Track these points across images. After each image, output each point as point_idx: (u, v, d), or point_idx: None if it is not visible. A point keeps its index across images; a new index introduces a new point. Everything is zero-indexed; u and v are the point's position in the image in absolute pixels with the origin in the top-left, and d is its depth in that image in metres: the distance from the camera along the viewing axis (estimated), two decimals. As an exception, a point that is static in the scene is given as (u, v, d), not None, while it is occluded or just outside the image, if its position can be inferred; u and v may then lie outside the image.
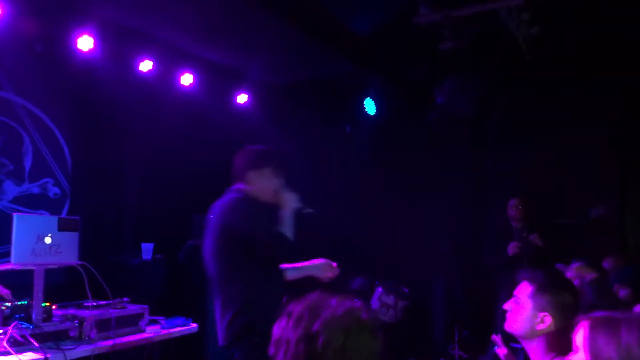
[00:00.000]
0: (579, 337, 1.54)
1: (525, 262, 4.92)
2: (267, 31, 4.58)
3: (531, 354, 1.95)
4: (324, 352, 1.25)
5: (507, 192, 5.44)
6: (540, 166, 5.58)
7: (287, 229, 2.77)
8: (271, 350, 1.35)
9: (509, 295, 2.08)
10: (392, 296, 5.75)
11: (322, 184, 6.14)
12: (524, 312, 1.93)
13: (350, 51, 4.80)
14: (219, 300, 2.77)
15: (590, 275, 3.08)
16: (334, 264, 3.06)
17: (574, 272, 3.07)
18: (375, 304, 5.82)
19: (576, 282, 2.93)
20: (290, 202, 2.83)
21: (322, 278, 3.02)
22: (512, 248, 5.03)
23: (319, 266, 3.04)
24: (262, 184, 2.83)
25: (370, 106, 5.99)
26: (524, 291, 1.96)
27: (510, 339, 2.30)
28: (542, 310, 1.89)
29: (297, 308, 1.36)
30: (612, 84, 5.15)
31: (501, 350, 2.24)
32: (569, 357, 1.58)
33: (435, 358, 5.73)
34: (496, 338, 2.32)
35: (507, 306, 2.03)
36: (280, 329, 1.34)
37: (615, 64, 4.88)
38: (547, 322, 1.87)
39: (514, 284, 2.06)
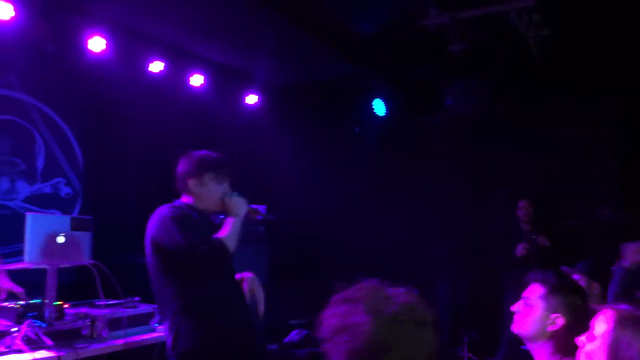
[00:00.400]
0: (600, 327, 1.51)
1: (533, 263, 4.92)
2: (277, 33, 4.60)
3: (537, 356, 1.94)
4: (376, 343, 1.17)
5: (512, 193, 5.43)
6: (545, 167, 5.57)
7: (231, 236, 2.58)
8: (327, 336, 1.24)
9: (516, 296, 2.07)
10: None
11: (328, 185, 6.16)
12: (535, 313, 1.92)
13: (357, 53, 4.81)
14: (165, 315, 2.59)
15: (596, 287, 3.05)
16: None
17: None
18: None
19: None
20: (238, 208, 2.67)
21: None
22: (520, 249, 5.05)
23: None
24: (205, 192, 2.67)
25: (379, 107, 5.99)
26: (535, 292, 1.95)
27: (518, 342, 2.29)
28: (554, 312, 1.88)
29: (353, 294, 1.26)
30: (617, 87, 5.13)
31: None
32: (582, 342, 1.56)
33: (443, 360, 5.72)
34: None
35: (515, 308, 2.02)
36: (338, 315, 1.23)
37: (621, 66, 4.86)
38: (559, 323, 1.86)
39: (521, 286, 2.05)
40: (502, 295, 5.13)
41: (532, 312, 1.92)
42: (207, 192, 2.68)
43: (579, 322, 1.80)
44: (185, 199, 2.71)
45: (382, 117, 6.08)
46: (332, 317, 1.24)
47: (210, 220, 2.73)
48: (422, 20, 3.91)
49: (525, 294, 2.00)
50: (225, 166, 2.77)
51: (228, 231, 2.59)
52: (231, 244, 2.57)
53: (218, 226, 2.65)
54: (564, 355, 1.87)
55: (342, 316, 1.22)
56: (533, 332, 1.92)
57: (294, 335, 5.53)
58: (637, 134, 5.21)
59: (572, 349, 1.81)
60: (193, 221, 2.57)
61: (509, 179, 5.77)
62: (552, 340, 1.89)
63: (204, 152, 2.79)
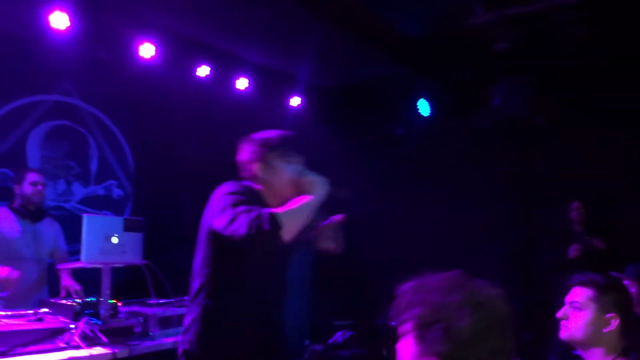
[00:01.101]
0: None
1: (584, 266, 4.79)
2: (321, 35, 4.62)
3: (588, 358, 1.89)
4: (471, 334, 1.11)
5: (562, 195, 5.28)
6: (595, 168, 5.38)
7: (295, 215, 2.08)
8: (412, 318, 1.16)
9: (561, 302, 2.02)
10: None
11: (373, 186, 6.13)
12: (587, 316, 1.86)
13: (402, 53, 4.78)
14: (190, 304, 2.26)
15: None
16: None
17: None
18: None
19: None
20: (315, 185, 2.23)
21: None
22: (573, 251, 4.93)
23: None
24: (274, 175, 2.27)
25: (424, 107, 5.93)
26: (583, 295, 1.89)
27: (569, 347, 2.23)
28: (609, 312, 1.83)
29: (443, 284, 1.18)
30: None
31: None
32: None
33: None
34: None
35: (561, 314, 1.96)
36: (430, 305, 1.14)
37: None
38: (614, 324, 1.82)
39: (567, 290, 2.00)
40: (552, 299, 4.98)
41: (583, 316, 1.87)
42: (276, 175, 2.27)
43: (631, 322, 1.79)
44: (255, 186, 2.31)
45: (426, 117, 6.02)
46: (420, 306, 1.15)
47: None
48: (467, 19, 3.85)
49: (570, 298, 1.94)
50: (292, 143, 2.37)
51: (291, 207, 2.09)
52: (289, 223, 2.01)
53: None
54: (617, 355, 1.82)
55: (435, 306, 1.14)
56: (586, 336, 1.87)
57: (338, 336, 5.53)
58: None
59: (624, 349, 1.77)
60: (252, 200, 2.12)
61: (559, 180, 5.61)
62: (606, 342, 1.84)
63: (264, 132, 2.39)
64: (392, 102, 6.12)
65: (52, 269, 3.76)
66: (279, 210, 2.03)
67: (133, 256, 3.00)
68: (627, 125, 5.25)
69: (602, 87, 5.15)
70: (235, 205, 2.05)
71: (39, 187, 3.63)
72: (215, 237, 2.15)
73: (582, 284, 1.92)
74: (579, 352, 1.95)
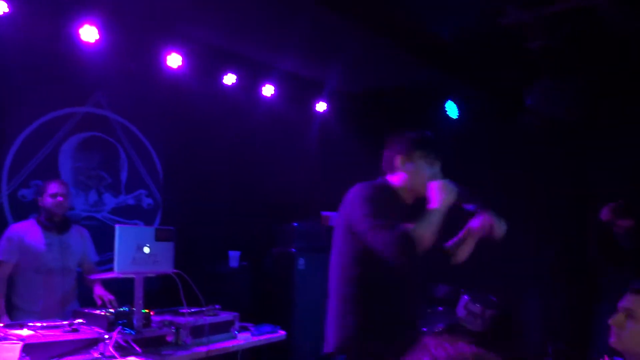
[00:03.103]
0: None
1: (632, 270, 4.62)
2: (347, 39, 4.60)
3: None
4: None
5: (610, 197, 5.11)
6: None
7: (426, 227, 2.22)
8: None
9: (613, 307, 1.93)
10: (478, 305, 5.56)
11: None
12: (629, 325, 1.79)
13: (433, 55, 4.71)
14: (333, 301, 2.48)
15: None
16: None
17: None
18: (461, 312, 5.65)
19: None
20: (444, 194, 2.31)
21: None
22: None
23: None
24: (414, 171, 2.42)
25: (452, 110, 5.84)
26: (629, 303, 1.81)
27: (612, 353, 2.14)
28: None
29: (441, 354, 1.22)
30: None
31: None
32: None
33: (527, 370, 5.48)
34: None
35: (615, 321, 1.86)
36: None
37: None
38: None
39: (619, 295, 1.91)
40: (594, 304, 4.85)
41: (627, 325, 1.79)
42: (416, 172, 2.42)
43: None
44: (391, 179, 2.49)
45: (457, 120, 5.91)
46: None
47: (407, 206, 2.45)
48: (498, 18, 3.77)
49: (626, 305, 1.85)
50: (438, 147, 2.51)
51: (423, 221, 2.24)
52: (422, 237, 2.19)
53: (417, 214, 2.29)
54: None
55: None
56: (627, 346, 1.79)
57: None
58: None
59: None
60: (388, 204, 2.32)
61: (609, 181, 5.43)
62: None
63: (416, 131, 2.55)
64: (420, 105, 6.04)
65: (82, 278, 3.80)
66: (415, 226, 2.21)
67: (164, 265, 3.01)
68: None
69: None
70: (376, 215, 2.25)
71: (59, 198, 3.60)
72: (358, 239, 2.31)
73: None
74: None
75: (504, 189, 5.65)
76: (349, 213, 2.38)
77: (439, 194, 2.31)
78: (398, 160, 2.46)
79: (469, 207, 2.45)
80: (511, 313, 5.61)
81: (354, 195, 2.40)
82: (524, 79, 4.86)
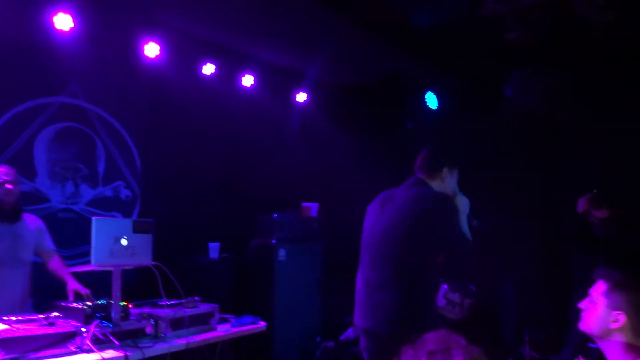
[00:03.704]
0: None
1: (603, 258, 4.71)
2: (327, 29, 4.58)
3: (608, 355, 1.89)
4: None
5: (586, 187, 5.18)
6: (618, 159, 5.29)
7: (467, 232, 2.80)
8: None
9: (584, 293, 2.01)
10: (457, 294, 5.63)
11: (382, 182, 6.08)
12: (598, 310, 1.89)
13: (412, 45, 4.72)
14: (393, 289, 2.73)
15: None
16: None
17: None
18: (440, 301, 5.72)
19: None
20: (463, 206, 2.85)
21: None
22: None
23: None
24: (450, 183, 2.88)
25: (432, 100, 5.87)
26: (599, 289, 1.91)
27: (586, 339, 2.23)
28: (616, 309, 1.84)
29: (429, 345, 1.34)
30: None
31: None
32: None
33: (504, 357, 5.57)
34: None
35: (582, 305, 1.98)
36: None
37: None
38: (620, 321, 1.83)
39: (590, 282, 1.99)
40: (569, 292, 4.94)
41: (595, 310, 1.90)
42: (450, 183, 2.89)
43: None
44: (433, 184, 2.87)
45: (437, 111, 5.95)
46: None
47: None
48: (478, 10, 3.78)
49: (590, 290, 1.96)
50: (460, 161, 2.99)
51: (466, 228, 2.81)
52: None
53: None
54: (638, 355, 1.80)
55: None
56: (597, 330, 1.89)
57: (349, 333, 5.51)
58: None
59: None
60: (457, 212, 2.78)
61: (583, 171, 5.51)
62: (621, 340, 1.84)
63: (455, 149, 3.12)
64: (400, 96, 6.05)
65: (52, 272, 3.63)
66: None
67: (143, 258, 2.98)
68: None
69: (623, 74, 5.05)
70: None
71: (7, 186, 3.36)
72: (439, 245, 2.73)
73: (602, 277, 1.94)
74: (597, 344, 1.96)
75: (482, 179, 5.71)
76: (432, 219, 2.72)
77: (461, 205, 2.83)
78: (443, 172, 2.88)
79: (475, 222, 2.95)
80: (489, 301, 5.69)
81: (441, 202, 2.77)
82: (503, 70, 4.90)
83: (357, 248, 6.05)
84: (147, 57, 4.57)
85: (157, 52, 4.55)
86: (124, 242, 2.85)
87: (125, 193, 4.83)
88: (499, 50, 4.38)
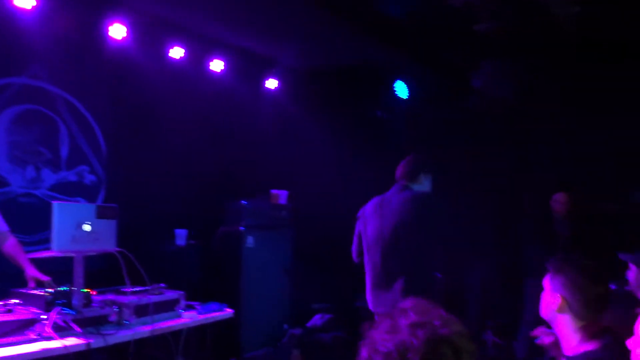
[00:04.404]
0: None
1: (564, 250, 4.84)
2: (297, 15, 4.54)
3: (559, 337, 2.00)
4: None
5: (549, 178, 5.30)
6: (582, 150, 5.42)
7: None
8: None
9: (536, 282, 2.11)
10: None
11: (352, 169, 6.10)
12: (545, 296, 2.01)
13: (383, 34, 4.71)
14: (401, 280, 3.24)
15: None
16: None
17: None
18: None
19: None
20: None
21: None
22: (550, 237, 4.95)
23: None
24: (426, 184, 3.44)
25: (402, 90, 5.89)
26: (547, 276, 2.03)
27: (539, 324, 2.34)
28: (555, 292, 1.97)
29: (411, 315, 1.31)
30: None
31: (547, 339, 2.23)
32: (631, 345, 1.53)
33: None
34: (537, 332, 2.30)
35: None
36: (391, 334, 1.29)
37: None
38: (559, 303, 1.94)
39: (542, 271, 2.10)
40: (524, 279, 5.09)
41: (544, 296, 2.02)
42: (426, 184, 3.46)
43: (586, 304, 1.90)
44: (414, 186, 3.42)
45: (407, 100, 5.98)
46: (384, 335, 1.28)
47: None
48: (449, 0, 3.79)
49: (543, 280, 2.07)
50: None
51: None
52: None
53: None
54: (586, 338, 1.89)
55: (393, 335, 1.26)
56: (545, 314, 2.02)
57: (317, 320, 5.54)
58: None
59: (595, 333, 1.87)
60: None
61: (547, 162, 5.62)
62: (564, 320, 1.95)
63: (422, 154, 3.57)
64: (371, 84, 6.06)
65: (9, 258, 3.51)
66: None
67: (107, 244, 2.93)
68: (616, 110, 5.28)
69: (588, 67, 5.15)
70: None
71: None
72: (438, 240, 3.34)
73: (549, 266, 2.06)
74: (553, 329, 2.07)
75: (448, 168, 5.79)
76: (432, 218, 3.29)
77: None
78: (421, 176, 3.44)
79: None
80: (455, 290, 5.79)
81: (435, 203, 3.35)
82: (472, 61, 4.95)
83: (326, 236, 6.09)
84: (113, 39, 4.45)
85: (124, 34, 4.44)
86: (86, 227, 2.80)
87: (89, 178, 4.72)
88: (469, 40, 4.41)
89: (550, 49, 4.88)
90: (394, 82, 5.88)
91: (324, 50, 5.53)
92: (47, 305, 2.67)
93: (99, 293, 3.09)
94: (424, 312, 1.31)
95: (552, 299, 1.98)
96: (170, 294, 3.31)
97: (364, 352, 1.30)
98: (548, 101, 5.52)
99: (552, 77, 5.36)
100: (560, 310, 1.95)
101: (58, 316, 2.59)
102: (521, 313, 5.23)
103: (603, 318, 1.94)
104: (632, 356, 1.51)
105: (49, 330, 2.53)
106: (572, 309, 1.92)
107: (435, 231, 3.28)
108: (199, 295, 3.91)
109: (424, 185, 3.45)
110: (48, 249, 3.28)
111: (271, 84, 5.84)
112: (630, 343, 1.52)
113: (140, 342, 3.01)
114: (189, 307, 3.47)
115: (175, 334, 3.28)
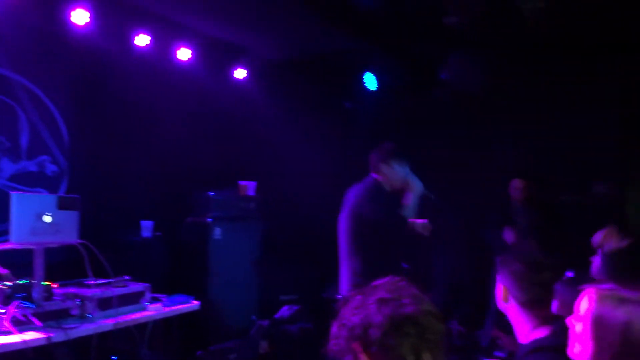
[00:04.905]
0: (583, 306, 1.54)
1: (523, 239, 4.92)
2: (267, 5, 4.48)
3: (513, 325, 2.05)
4: (375, 345, 1.24)
5: (512, 168, 5.39)
6: (545, 142, 5.53)
7: (410, 211, 3.45)
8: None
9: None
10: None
11: (320, 161, 6.10)
12: (496, 287, 2.09)
13: (352, 25, 4.70)
14: (344, 268, 3.50)
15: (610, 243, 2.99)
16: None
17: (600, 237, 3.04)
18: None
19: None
20: (415, 187, 3.50)
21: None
22: (508, 236, 5.03)
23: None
24: (392, 175, 3.51)
25: (370, 81, 5.90)
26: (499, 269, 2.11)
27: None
28: (499, 283, 2.06)
29: (380, 291, 1.34)
30: (617, 60, 5.09)
31: (505, 340, 2.32)
32: (572, 323, 1.57)
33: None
34: (496, 334, 2.39)
35: None
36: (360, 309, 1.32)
37: (620, 40, 4.81)
38: (503, 293, 2.03)
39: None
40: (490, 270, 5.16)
41: (496, 287, 2.11)
42: (392, 172, 3.52)
43: (522, 290, 1.97)
44: (377, 177, 3.54)
45: (375, 91, 5.99)
46: (352, 311, 1.32)
47: (396, 194, 3.52)
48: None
49: None
50: (404, 154, 3.60)
51: (410, 208, 3.46)
52: (409, 217, 3.44)
53: (399, 199, 3.48)
54: (539, 324, 1.95)
55: (362, 311, 1.29)
56: (498, 305, 2.10)
57: (284, 311, 5.53)
58: (635, 108, 5.18)
59: (543, 318, 1.94)
60: (384, 196, 3.46)
61: (511, 153, 5.71)
62: (512, 309, 2.02)
63: (389, 144, 3.65)
64: (340, 75, 6.05)
65: None
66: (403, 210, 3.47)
67: (68, 235, 2.86)
68: (578, 98, 5.39)
69: (552, 60, 5.24)
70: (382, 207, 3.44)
71: None
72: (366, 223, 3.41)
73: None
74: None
75: (416, 159, 5.84)
76: (359, 209, 3.42)
77: (413, 185, 3.51)
78: (380, 167, 3.53)
79: (430, 195, 3.61)
80: (422, 279, 5.85)
81: (361, 193, 3.48)
82: (441, 53, 4.98)
83: (294, 227, 6.07)
84: (76, 25, 4.31)
85: (87, 20, 4.30)
86: (47, 218, 2.72)
87: (51, 168, 4.58)
88: (438, 33, 4.44)
89: (515, 43, 4.95)
90: (363, 73, 5.88)
91: (294, 40, 5.49)
92: (6, 298, 2.59)
93: (61, 286, 3.01)
94: (394, 290, 1.32)
95: (498, 290, 2.07)
96: (135, 287, 3.26)
97: (334, 328, 1.32)
98: (512, 94, 5.61)
99: (516, 70, 5.45)
100: (505, 299, 2.04)
101: (17, 310, 2.52)
102: (487, 302, 5.33)
103: (551, 305, 1.99)
104: (570, 333, 1.56)
105: (7, 324, 2.46)
106: (514, 297, 2.00)
107: (363, 222, 3.40)
108: (165, 287, 3.86)
109: (389, 176, 3.51)
110: (6, 241, 3.19)
111: (240, 73, 5.77)
112: (569, 321, 1.57)
113: (103, 336, 2.96)
114: (154, 300, 3.42)
115: (141, 327, 3.23)
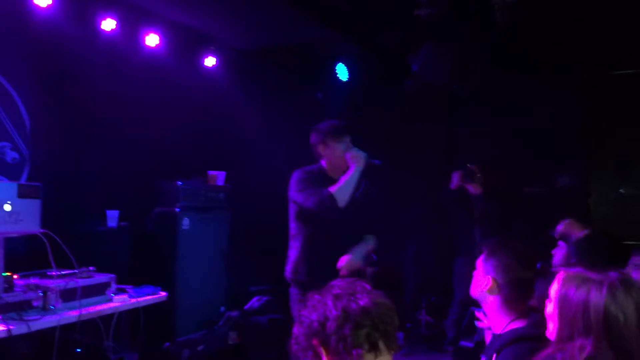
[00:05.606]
0: (553, 287, 1.61)
1: (484, 228, 4.97)
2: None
3: (488, 317, 2.08)
4: (334, 339, 1.32)
5: (477, 159, 5.46)
6: (510, 134, 5.63)
7: (343, 187, 3.18)
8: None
9: (465, 261, 2.18)
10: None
11: (290, 151, 6.06)
12: (477, 276, 2.09)
13: (323, 15, 4.67)
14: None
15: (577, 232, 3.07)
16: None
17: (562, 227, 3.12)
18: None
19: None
20: (357, 158, 3.26)
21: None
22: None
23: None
24: (330, 152, 3.35)
25: (342, 72, 5.88)
26: (480, 258, 2.11)
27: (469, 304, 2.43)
28: (487, 274, 2.04)
29: (335, 289, 1.42)
30: (582, 54, 5.20)
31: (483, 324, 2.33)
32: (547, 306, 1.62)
33: (402, 323, 5.84)
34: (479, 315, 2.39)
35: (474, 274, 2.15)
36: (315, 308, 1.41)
37: (586, 33, 4.90)
38: (489, 284, 2.02)
39: (472, 251, 2.16)
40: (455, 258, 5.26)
41: (475, 276, 2.10)
42: (331, 151, 3.34)
43: (516, 285, 1.98)
44: (322, 163, 3.43)
45: (347, 83, 5.98)
46: (310, 310, 1.41)
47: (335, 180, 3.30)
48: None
49: (477, 260, 2.14)
50: (341, 127, 3.40)
51: (341, 183, 3.20)
52: (341, 196, 3.18)
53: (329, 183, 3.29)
54: (517, 317, 1.98)
55: (316, 308, 1.38)
56: (476, 294, 2.10)
57: (254, 302, 5.51)
58: (601, 101, 5.30)
59: (522, 312, 1.96)
60: (315, 180, 3.29)
61: (477, 145, 5.79)
62: (493, 301, 2.02)
63: (325, 122, 3.49)
64: (312, 66, 6.02)
65: None
66: (335, 187, 3.19)
67: (30, 225, 2.77)
68: (544, 92, 5.49)
69: (521, 56, 5.32)
70: (304, 189, 3.25)
71: None
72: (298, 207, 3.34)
73: (484, 247, 2.14)
74: (482, 308, 2.14)
75: (384, 149, 5.87)
76: (290, 190, 3.33)
77: (354, 159, 3.25)
78: (319, 148, 3.38)
79: (376, 161, 3.36)
80: (391, 270, 5.91)
81: (292, 178, 3.35)
82: (412, 45, 5.00)
83: (264, 217, 6.03)
84: (38, 7, 4.16)
85: (49, 2, 4.16)
86: (7, 207, 2.63)
87: (11, 155, 4.42)
88: (409, 25, 4.45)
89: (485, 36, 5.00)
90: (334, 64, 5.86)
91: (265, 30, 5.42)
92: (-37, 290, 2.49)
93: (22, 277, 2.92)
94: (348, 287, 1.42)
95: (483, 280, 2.04)
96: (100, 277, 3.18)
97: (294, 329, 1.39)
98: (479, 86, 5.68)
99: (484, 62, 5.52)
100: (490, 291, 2.02)
101: (-25, 302, 2.43)
102: (452, 292, 5.41)
103: (530, 299, 2.02)
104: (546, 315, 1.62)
105: (-36, 316, 2.37)
106: (501, 290, 2.00)
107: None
108: (131, 278, 3.78)
109: (327, 156, 3.37)
110: (-36, 230, 3.07)
111: (209, 61, 5.68)
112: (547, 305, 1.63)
113: (67, 328, 2.88)
114: (120, 291, 3.35)
115: (106, 319, 3.16)
